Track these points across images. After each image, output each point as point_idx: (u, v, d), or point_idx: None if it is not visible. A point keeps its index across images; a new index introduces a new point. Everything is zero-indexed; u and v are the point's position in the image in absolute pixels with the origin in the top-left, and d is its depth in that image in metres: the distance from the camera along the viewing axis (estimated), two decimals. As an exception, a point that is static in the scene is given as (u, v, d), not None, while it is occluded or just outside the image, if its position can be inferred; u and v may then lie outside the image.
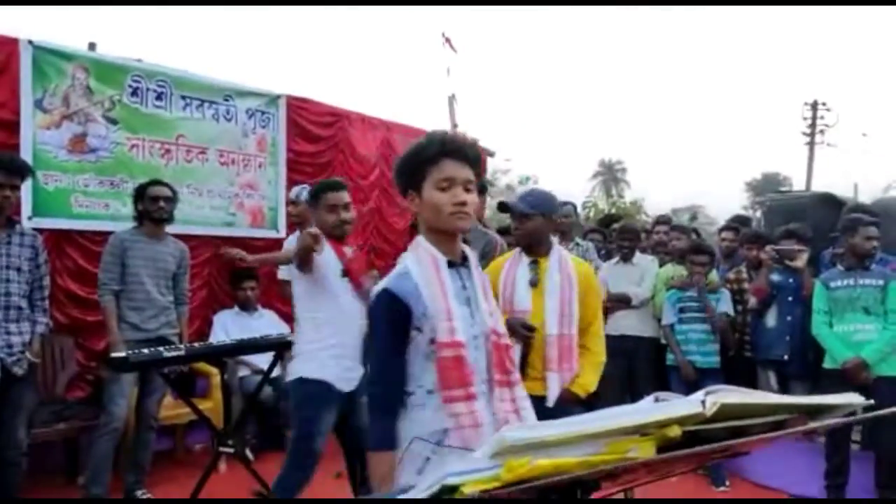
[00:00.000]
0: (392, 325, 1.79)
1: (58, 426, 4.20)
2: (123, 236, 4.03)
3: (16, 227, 3.55)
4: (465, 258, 1.91)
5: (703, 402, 0.92)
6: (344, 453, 3.42)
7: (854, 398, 1.10)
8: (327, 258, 3.19)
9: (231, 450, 3.69)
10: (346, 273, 3.23)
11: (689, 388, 4.91)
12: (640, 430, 0.89)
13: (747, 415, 0.92)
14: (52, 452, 4.39)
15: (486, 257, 3.71)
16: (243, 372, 4.99)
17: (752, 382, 4.87)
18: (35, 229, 3.82)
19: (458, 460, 0.73)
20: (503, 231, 5.85)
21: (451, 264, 1.85)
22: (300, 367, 3.19)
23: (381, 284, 1.84)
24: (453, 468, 0.76)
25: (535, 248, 3.09)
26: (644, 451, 0.90)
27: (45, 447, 4.19)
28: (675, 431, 0.89)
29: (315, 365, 3.15)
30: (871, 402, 1.19)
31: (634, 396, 5.22)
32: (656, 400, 0.99)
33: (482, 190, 4.92)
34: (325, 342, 3.17)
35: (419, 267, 1.82)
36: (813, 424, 1.03)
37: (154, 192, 4.08)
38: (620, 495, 1.20)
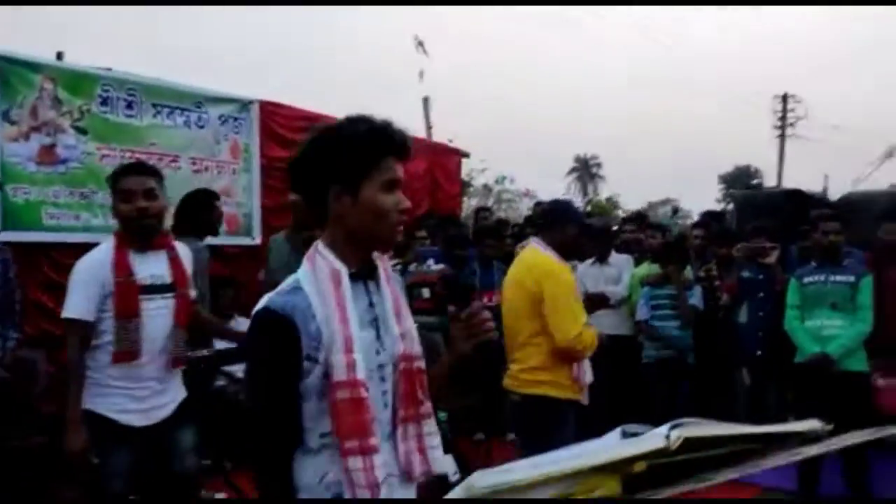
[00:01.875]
0: (276, 353, 1.43)
1: (32, 439, 4.14)
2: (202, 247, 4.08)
3: None
4: (373, 268, 1.58)
5: (668, 437, 0.95)
6: None
7: (815, 424, 1.13)
8: (103, 269, 2.69)
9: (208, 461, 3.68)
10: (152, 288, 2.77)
11: (665, 383, 4.99)
12: (608, 468, 0.91)
13: (711, 446, 0.95)
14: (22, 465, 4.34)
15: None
16: (220, 381, 4.96)
17: (726, 379, 4.95)
18: (5, 243, 3.78)
19: None
20: (483, 232, 5.82)
21: (355, 276, 1.52)
22: (85, 395, 2.72)
23: (262, 302, 1.48)
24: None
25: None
26: (610, 488, 0.92)
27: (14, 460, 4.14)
28: (640, 467, 0.91)
29: (96, 396, 2.71)
30: (831, 427, 1.20)
31: (613, 394, 5.28)
32: (623, 433, 1.01)
33: None
34: (107, 370, 2.70)
35: (315, 281, 1.48)
36: (775, 460, 1.04)
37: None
38: None
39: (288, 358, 1.42)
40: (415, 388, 1.56)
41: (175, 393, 2.91)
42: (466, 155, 8.73)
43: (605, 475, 0.92)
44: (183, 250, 2.97)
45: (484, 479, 0.85)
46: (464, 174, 9.58)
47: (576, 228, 3.41)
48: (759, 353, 4.72)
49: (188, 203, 4.25)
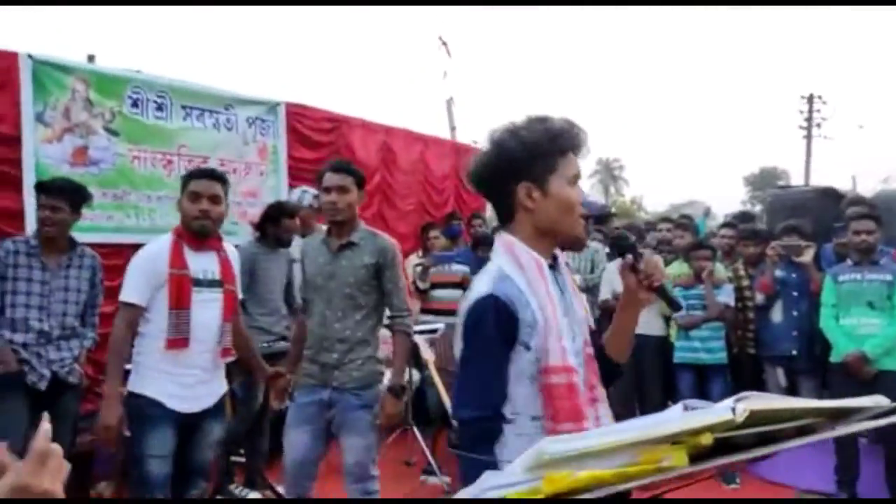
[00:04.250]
0: (499, 336, 1.48)
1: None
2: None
3: (77, 248, 3.59)
4: (555, 259, 1.64)
5: (734, 410, 0.93)
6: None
7: (880, 399, 1.10)
8: (159, 260, 2.87)
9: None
10: (207, 283, 2.95)
11: (695, 383, 4.93)
12: (673, 439, 0.90)
13: (775, 420, 0.93)
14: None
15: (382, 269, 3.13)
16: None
17: (758, 379, 4.87)
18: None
19: (492, 474, 0.73)
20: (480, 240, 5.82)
21: (549, 267, 1.59)
22: (132, 379, 2.92)
23: (482, 289, 1.52)
24: (489, 482, 0.76)
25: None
26: (677, 459, 0.90)
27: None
28: (707, 439, 0.89)
29: (144, 379, 2.86)
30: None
31: (642, 392, 5.22)
32: (685, 408, 0.99)
33: None
34: (158, 357, 2.85)
35: (522, 272, 1.53)
36: (840, 430, 1.03)
37: None
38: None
39: (507, 340, 1.48)
40: (592, 372, 1.62)
41: (219, 385, 3.07)
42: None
43: (672, 447, 0.90)
44: (231, 251, 3.18)
45: (554, 446, 0.84)
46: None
47: None
48: (793, 352, 4.64)
49: (265, 213, 4.45)
